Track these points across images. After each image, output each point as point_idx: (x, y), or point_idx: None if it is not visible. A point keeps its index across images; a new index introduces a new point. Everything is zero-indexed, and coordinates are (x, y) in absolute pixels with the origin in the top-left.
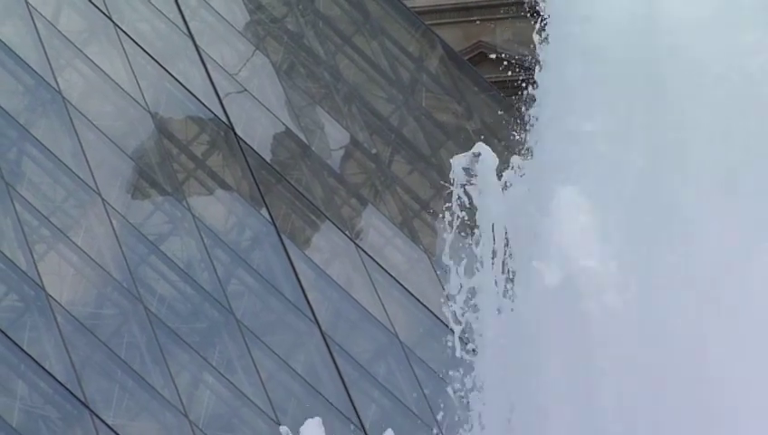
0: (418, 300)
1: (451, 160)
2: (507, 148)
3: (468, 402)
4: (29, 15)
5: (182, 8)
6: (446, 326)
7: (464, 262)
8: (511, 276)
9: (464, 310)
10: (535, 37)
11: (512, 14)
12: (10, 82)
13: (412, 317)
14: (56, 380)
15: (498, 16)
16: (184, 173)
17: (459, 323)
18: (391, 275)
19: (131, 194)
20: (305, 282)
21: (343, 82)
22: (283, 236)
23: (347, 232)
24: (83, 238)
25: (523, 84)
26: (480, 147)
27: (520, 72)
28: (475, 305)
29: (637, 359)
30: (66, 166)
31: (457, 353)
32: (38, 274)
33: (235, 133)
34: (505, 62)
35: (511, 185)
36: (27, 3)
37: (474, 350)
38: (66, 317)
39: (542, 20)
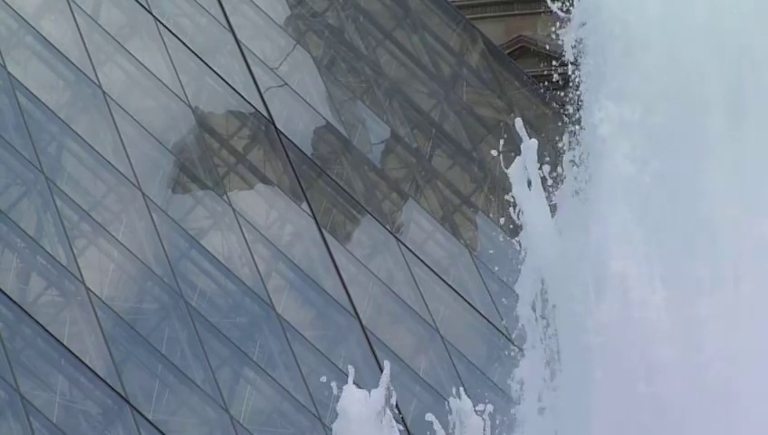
0: (459, 294)
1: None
2: (548, 141)
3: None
4: (69, 11)
5: (223, 3)
6: (488, 321)
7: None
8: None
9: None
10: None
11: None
12: (51, 78)
13: (453, 312)
14: (96, 375)
15: (539, 10)
16: (225, 168)
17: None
18: (432, 270)
19: (172, 189)
20: (346, 276)
21: (384, 76)
22: (323, 231)
23: (388, 226)
24: (124, 233)
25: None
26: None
27: (569, 67)
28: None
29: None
30: (107, 161)
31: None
32: (78, 269)
33: (276, 128)
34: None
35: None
36: None
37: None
38: (106, 312)
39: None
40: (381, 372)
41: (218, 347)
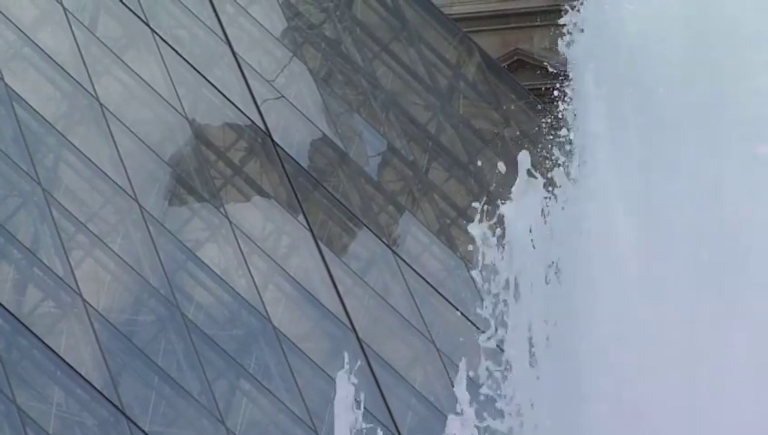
0: (455, 307)
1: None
2: (545, 156)
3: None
4: (67, 22)
5: (220, 15)
6: (484, 333)
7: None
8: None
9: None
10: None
11: (549, 21)
12: (48, 89)
13: (449, 324)
14: (93, 386)
15: (536, 24)
16: (221, 180)
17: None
18: (428, 283)
19: (169, 201)
20: (342, 289)
21: (381, 89)
22: (320, 243)
23: (384, 239)
24: (120, 245)
25: (559, 92)
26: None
27: (562, 79)
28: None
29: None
30: (103, 172)
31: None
32: (75, 280)
33: (273, 140)
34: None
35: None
36: (65, 9)
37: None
38: (103, 324)
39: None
40: (377, 384)
41: (214, 359)
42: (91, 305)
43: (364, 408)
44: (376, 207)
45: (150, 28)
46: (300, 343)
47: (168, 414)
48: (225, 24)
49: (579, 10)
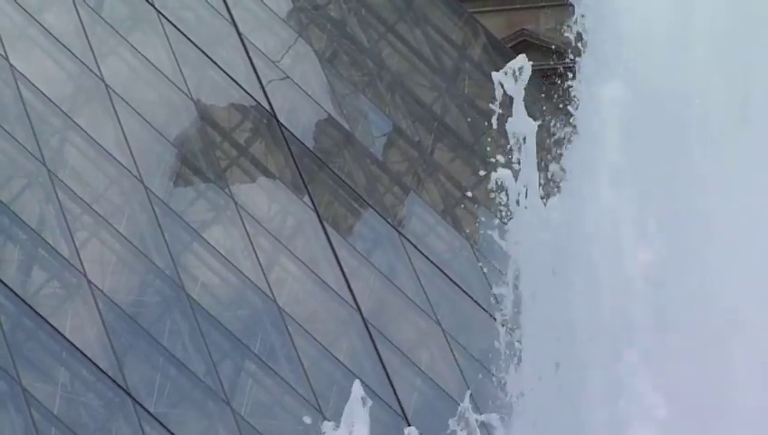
0: (461, 288)
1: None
2: (548, 135)
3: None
4: (72, 3)
5: None
6: (490, 314)
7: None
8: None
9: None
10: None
11: (555, 1)
12: (53, 70)
13: (454, 305)
14: (98, 367)
15: (541, 4)
16: (227, 161)
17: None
18: (434, 263)
19: (174, 181)
20: (348, 270)
21: (386, 69)
22: (325, 224)
23: (389, 220)
24: (126, 226)
25: (566, 73)
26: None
27: (565, 59)
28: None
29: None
30: (109, 153)
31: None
32: (80, 261)
33: (278, 121)
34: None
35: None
36: None
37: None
38: (108, 305)
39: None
40: (383, 365)
41: (220, 340)
42: (96, 286)
43: (370, 388)
44: (381, 187)
45: (156, 9)
46: (305, 323)
47: (174, 395)
48: (230, 5)
49: None
